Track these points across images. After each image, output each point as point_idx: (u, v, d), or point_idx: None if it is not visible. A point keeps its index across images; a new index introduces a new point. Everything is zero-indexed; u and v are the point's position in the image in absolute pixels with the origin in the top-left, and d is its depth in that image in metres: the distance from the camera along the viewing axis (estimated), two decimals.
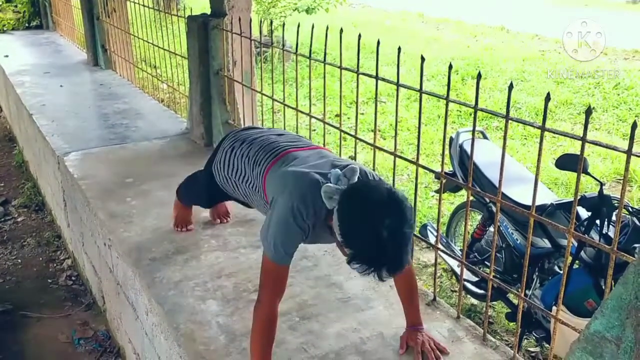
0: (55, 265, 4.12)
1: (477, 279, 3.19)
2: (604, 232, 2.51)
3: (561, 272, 2.74)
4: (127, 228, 2.84)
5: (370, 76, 2.37)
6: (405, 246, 1.58)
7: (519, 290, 1.94)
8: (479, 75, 1.91)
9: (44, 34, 8.29)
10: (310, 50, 2.76)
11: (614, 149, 1.56)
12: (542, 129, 1.70)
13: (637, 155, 1.48)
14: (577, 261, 2.60)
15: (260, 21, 6.50)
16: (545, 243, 2.86)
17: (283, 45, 3.23)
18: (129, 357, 3.00)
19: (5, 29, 8.34)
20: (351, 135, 2.60)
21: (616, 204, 2.48)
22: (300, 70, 5.49)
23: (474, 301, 3.48)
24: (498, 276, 3.05)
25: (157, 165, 3.60)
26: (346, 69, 2.53)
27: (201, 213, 2.88)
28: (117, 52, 5.84)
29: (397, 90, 2.24)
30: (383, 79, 2.33)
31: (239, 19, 3.32)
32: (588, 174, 2.63)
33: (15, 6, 8.63)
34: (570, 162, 2.59)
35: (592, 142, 1.61)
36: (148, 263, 2.54)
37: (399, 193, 1.63)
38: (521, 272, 1.93)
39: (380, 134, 6.12)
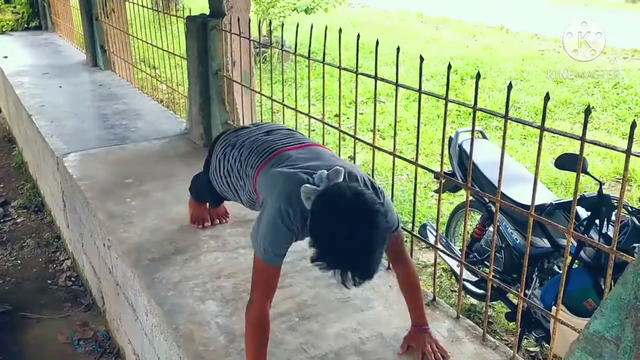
0: (54, 266, 4.12)
1: (476, 278, 3.19)
2: (603, 231, 2.51)
3: (561, 271, 2.74)
4: (126, 229, 2.83)
5: (369, 76, 2.37)
6: (367, 253, 1.54)
7: (519, 290, 1.94)
8: (478, 75, 1.91)
9: (43, 35, 8.29)
10: (310, 51, 2.76)
11: (613, 148, 1.56)
12: (542, 128, 1.70)
13: (636, 155, 1.48)
14: (576, 261, 2.60)
15: (259, 21, 6.49)
16: (545, 243, 2.86)
17: (282, 46, 3.23)
18: (128, 358, 2.99)
19: (4, 29, 8.34)
20: (350, 135, 2.60)
21: (615, 204, 2.48)
22: (299, 70, 5.49)
23: (474, 301, 3.48)
24: (498, 276, 3.05)
25: (156, 166, 3.59)
26: (345, 69, 2.53)
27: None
28: (116, 52, 5.84)
29: (396, 90, 2.24)
30: (382, 79, 2.33)
31: (238, 19, 3.31)
32: (587, 173, 2.63)
33: (14, 7, 8.63)
34: (569, 162, 2.59)
35: (591, 142, 1.61)
36: (147, 264, 2.53)
37: (366, 197, 1.59)
38: (521, 271, 1.93)
39: (379, 134, 6.12)
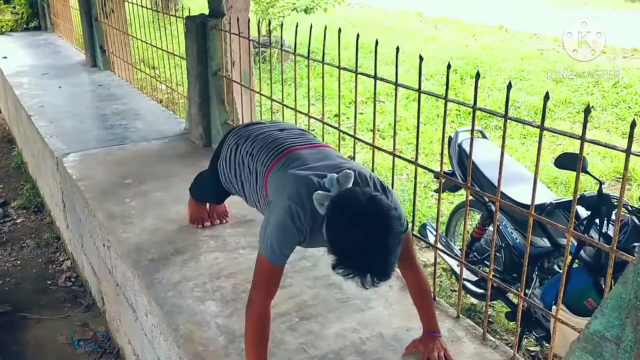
0: (54, 266, 4.12)
1: (476, 278, 3.19)
2: (603, 231, 2.51)
3: (561, 271, 2.74)
4: (126, 229, 2.83)
5: (369, 76, 2.36)
6: (384, 255, 1.56)
7: (519, 289, 1.94)
8: (478, 75, 1.91)
9: (42, 35, 8.29)
10: (309, 50, 2.76)
11: (613, 147, 1.56)
12: (541, 128, 1.69)
13: (636, 154, 1.48)
14: (576, 260, 2.60)
15: (259, 21, 6.50)
16: (545, 242, 2.86)
17: (281, 46, 3.23)
18: (128, 358, 2.99)
19: (3, 30, 8.34)
20: (350, 135, 2.60)
21: (615, 203, 2.48)
22: (298, 70, 5.49)
23: (474, 301, 3.48)
24: (498, 275, 3.05)
25: (155, 166, 3.59)
26: (345, 68, 2.53)
27: None
28: (115, 53, 5.84)
29: (396, 89, 2.24)
30: (382, 79, 2.33)
31: (237, 19, 3.31)
32: (587, 172, 2.63)
33: (14, 7, 8.63)
34: (569, 161, 2.59)
35: (591, 141, 1.61)
36: (147, 264, 2.53)
37: (381, 202, 1.61)
38: (521, 271, 1.93)
39: (379, 134, 6.12)
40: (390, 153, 2.34)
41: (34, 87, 5.48)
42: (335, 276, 2.37)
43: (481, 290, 3.26)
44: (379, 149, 2.45)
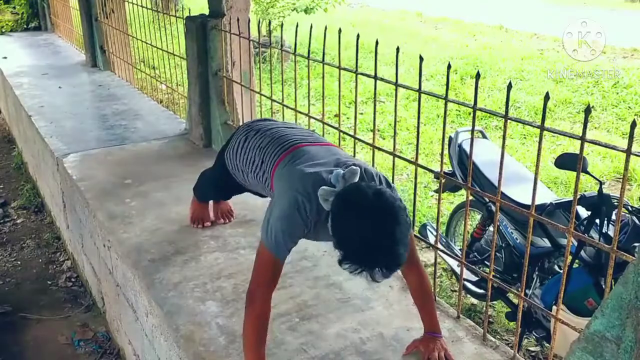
0: (54, 266, 4.12)
1: (477, 278, 3.19)
2: (603, 231, 2.51)
3: (561, 271, 2.74)
4: (126, 229, 2.83)
5: (369, 76, 2.36)
6: (392, 247, 1.56)
7: (519, 289, 1.94)
8: (478, 75, 1.91)
9: (42, 36, 8.29)
10: (309, 50, 2.76)
11: (613, 148, 1.56)
12: (542, 128, 1.69)
13: (636, 154, 1.48)
14: (577, 260, 2.60)
15: (259, 21, 6.49)
16: (545, 242, 2.86)
17: (282, 46, 3.23)
18: (128, 359, 2.99)
19: (3, 30, 8.34)
20: (350, 135, 2.60)
21: (616, 203, 2.48)
22: (299, 70, 5.48)
23: (474, 301, 3.48)
24: (498, 276, 3.05)
25: (156, 166, 3.59)
26: (345, 69, 2.53)
27: None
28: (115, 53, 5.84)
29: (396, 90, 2.24)
30: (382, 79, 2.33)
31: (238, 19, 3.31)
32: (587, 173, 2.63)
33: (14, 7, 8.63)
34: (569, 161, 2.59)
35: (591, 141, 1.61)
36: (147, 264, 2.53)
37: (387, 195, 1.62)
38: (521, 271, 1.93)
39: (379, 134, 6.12)
40: (390, 153, 2.34)
41: (34, 87, 5.48)
42: (336, 276, 2.39)
43: (481, 291, 3.26)
44: (379, 149, 2.45)
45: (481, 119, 6.20)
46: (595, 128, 6.10)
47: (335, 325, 2.11)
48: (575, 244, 2.54)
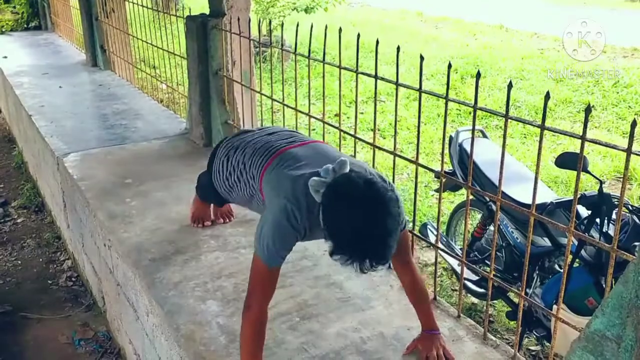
0: (55, 266, 4.12)
1: (477, 277, 3.19)
2: (604, 230, 2.51)
3: (561, 270, 2.74)
4: (126, 229, 2.83)
5: (369, 75, 2.36)
6: (383, 238, 1.55)
7: (520, 289, 1.94)
8: (478, 74, 1.91)
9: (42, 35, 8.29)
10: (310, 50, 2.76)
11: (614, 147, 1.56)
12: (542, 127, 1.69)
13: (636, 154, 1.48)
14: (577, 260, 2.60)
15: (259, 21, 6.48)
16: (546, 242, 2.86)
17: (282, 45, 3.23)
18: (129, 358, 2.99)
19: (3, 30, 8.34)
20: (350, 134, 2.60)
21: (616, 202, 2.48)
22: (299, 69, 5.48)
23: (475, 300, 3.48)
24: (498, 275, 3.05)
25: (156, 166, 3.59)
26: (345, 68, 2.53)
27: None
28: (116, 52, 5.84)
29: (397, 89, 2.24)
30: (382, 79, 2.33)
31: (238, 19, 3.31)
32: (588, 172, 2.63)
33: (14, 7, 8.62)
34: (570, 161, 2.59)
35: (591, 141, 1.61)
36: (148, 264, 2.53)
37: (378, 184, 1.60)
38: (521, 270, 1.93)
39: (379, 133, 6.12)
40: (391, 152, 2.34)
41: (34, 86, 5.48)
42: (336, 275, 2.39)
43: (482, 290, 3.26)
44: (380, 148, 2.45)
45: (482, 118, 6.20)
46: (596, 127, 6.10)
47: (335, 324, 2.11)
48: (576, 243, 2.55)
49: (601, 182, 2.61)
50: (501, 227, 3.10)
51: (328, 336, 2.05)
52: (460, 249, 2.98)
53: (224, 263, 2.52)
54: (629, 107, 6.45)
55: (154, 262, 2.54)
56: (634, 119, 1.43)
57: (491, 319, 3.27)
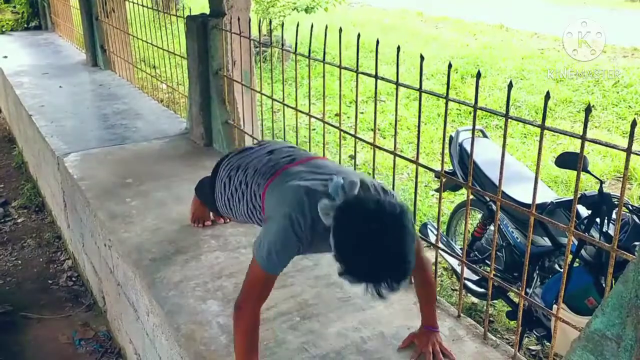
0: (55, 266, 4.12)
1: (477, 277, 3.19)
2: (604, 230, 2.51)
3: (561, 270, 2.74)
4: (127, 228, 2.84)
5: (369, 75, 2.36)
6: (402, 256, 1.51)
7: (520, 288, 1.94)
8: (479, 74, 1.91)
9: (42, 35, 8.29)
10: (310, 50, 2.76)
11: (614, 147, 1.56)
12: (542, 127, 1.70)
13: (636, 154, 1.48)
14: (577, 259, 2.60)
15: (260, 21, 6.48)
16: (546, 241, 2.87)
17: (282, 45, 3.24)
18: (129, 358, 3.00)
19: (4, 29, 8.34)
20: (351, 134, 2.60)
21: (616, 202, 2.48)
22: (299, 69, 5.49)
23: (475, 300, 3.48)
24: (498, 275, 3.06)
25: (156, 166, 3.60)
26: (345, 68, 2.53)
27: None
28: (116, 52, 5.84)
29: (397, 89, 2.24)
30: (382, 78, 2.33)
31: (238, 19, 3.32)
32: (588, 172, 2.63)
33: (14, 7, 8.62)
34: (570, 160, 2.60)
35: (591, 141, 1.61)
36: (148, 263, 2.54)
37: (390, 205, 1.54)
38: (522, 270, 1.93)
39: (379, 133, 6.12)
40: (391, 152, 2.34)
41: (34, 86, 5.48)
42: (337, 275, 2.38)
43: (482, 290, 3.26)
44: (380, 148, 2.45)
45: (482, 118, 6.20)
46: (596, 127, 6.10)
47: (336, 324, 2.12)
48: (576, 243, 2.55)
49: (601, 182, 2.61)
50: (501, 227, 3.10)
51: (328, 336, 2.06)
52: (461, 248, 2.99)
53: (224, 263, 2.52)
54: (629, 107, 6.45)
55: (154, 262, 2.55)
56: (634, 118, 1.43)
57: (491, 318, 3.27)
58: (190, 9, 3.93)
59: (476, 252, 3.34)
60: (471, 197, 2.65)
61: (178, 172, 3.46)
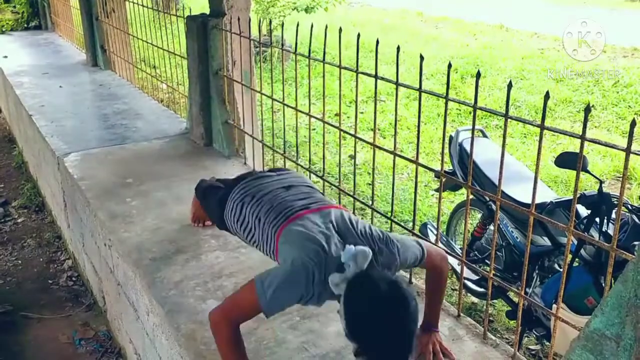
0: (55, 266, 4.12)
1: (477, 277, 3.20)
2: (603, 230, 2.52)
3: (561, 270, 2.74)
4: (127, 228, 2.84)
5: (369, 75, 2.37)
6: (404, 340, 1.52)
7: (519, 288, 1.94)
8: (478, 74, 1.91)
9: (42, 35, 8.29)
10: (310, 50, 2.76)
11: (613, 146, 1.57)
12: (542, 127, 1.70)
13: (636, 153, 1.48)
14: (577, 259, 2.61)
15: (260, 21, 6.48)
16: (545, 241, 2.87)
17: (282, 45, 3.24)
18: (130, 358, 3.00)
19: (4, 29, 8.34)
20: (351, 134, 2.60)
21: (615, 202, 2.48)
22: (299, 69, 5.49)
23: (475, 299, 3.48)
24: (498, 274, 3.06)
25: (156, 166, 3.60)
26: (345, 68, 2.54)
27: None
28: (116, 52, 5.84)
29: (397, 89, 2.24)
30: (382, 78, 2.34)
31: (238, 19, 3.32)
32: (587, 171, 2.63)
33: (14, 7, 8.62)
34: (569, 160, 2.60)
35: (591, 140, 1.62)
36: (148, 263, 2.54)
37: (399, 286, 1.56)
38: (521, 270, 1.93)
39: (379, 133, 6.12)
40: (391, 152, 2.34)
41: (34, 86, 5.49)
42: None
43: (482, 289, 3.26)
44: (380, 148, 2.45)
45: (482, 118, 6.20)
46: (596, 127, 6.10)
47: (336, 323, 2.11)
48: (575, 242, 2.55)
49: (601, 182, 2.61)
50: (501, 226, 3.10)
51: (328, 335, 2.06)
52: (460, 248, 2.99)
53: (224, 262, 2.52)
54: (629, 106, 6.45)
55: (154, 261, 2.55)
56: (634, 118, 1.43)
57: (491, 318, 3.28)
58: (190, 9, 3.93)
59: (476, 252, 3.34)
60: (471, 196, 2.66)
61: (178, 172, 3.46)
